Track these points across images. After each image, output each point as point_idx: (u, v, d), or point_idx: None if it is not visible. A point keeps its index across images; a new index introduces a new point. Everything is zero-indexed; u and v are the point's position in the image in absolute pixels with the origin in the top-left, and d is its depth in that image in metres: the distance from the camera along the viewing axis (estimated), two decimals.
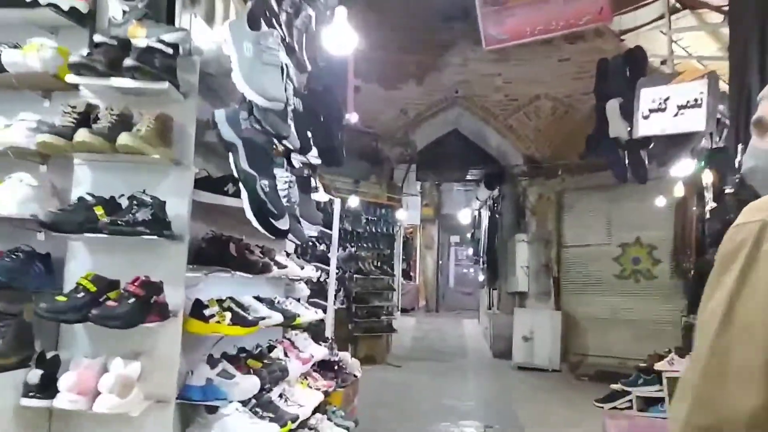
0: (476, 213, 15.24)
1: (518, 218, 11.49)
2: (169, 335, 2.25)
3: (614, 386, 4.76)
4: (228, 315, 2.36)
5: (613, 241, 9.19)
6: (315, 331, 4.35)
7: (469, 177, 13.53)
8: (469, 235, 18.59)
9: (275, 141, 2.40)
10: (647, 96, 4.33)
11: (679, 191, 7.25)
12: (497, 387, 8.24)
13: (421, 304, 20.07)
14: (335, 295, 10.83)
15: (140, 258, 2.29)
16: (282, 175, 2.40)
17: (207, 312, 2.34)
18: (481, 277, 15.34)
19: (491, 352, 11.34)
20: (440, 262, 20.63)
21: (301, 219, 2.72)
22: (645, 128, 4.38)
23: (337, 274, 10.57)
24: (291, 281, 3.98)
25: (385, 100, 10.54)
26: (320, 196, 3.80)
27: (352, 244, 9.93)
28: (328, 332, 5.18)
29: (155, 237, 2.19)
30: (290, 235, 2.54)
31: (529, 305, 10.13)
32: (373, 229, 10.18)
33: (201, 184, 2.44)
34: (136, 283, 2.14)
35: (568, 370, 9.22)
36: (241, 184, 2.25)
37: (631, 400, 4.57)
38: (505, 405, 7.19)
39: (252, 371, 2.55)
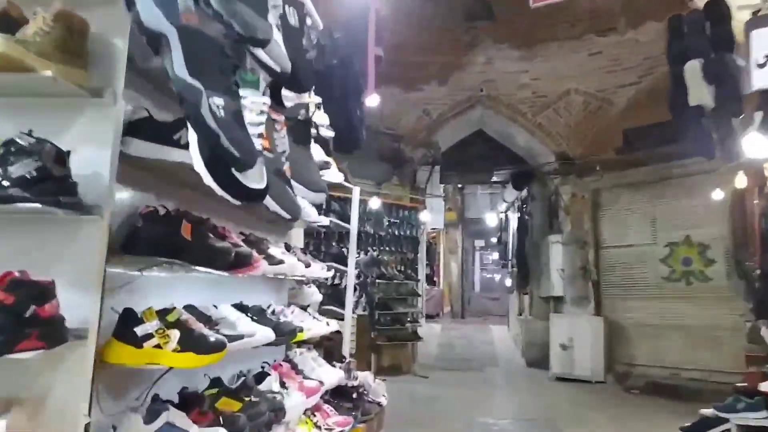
0: (503, 216, 14.16)
1: (550, 219, 10.39)
2: (68, 371, 1.29)
3: (705, 411, 3.67)
4: (174, 335, 1.40)
5: (659, 241, 8.03)
6: (329, 346, 3.39)
7: (494, 178, 12.48)
8: (495, 239, 17.44)
9: (248, 49, 1.44)
10: (762, 39, 3.24)
11: (740, 182, 6.12)
12: (536, 402, 7.12)
13: (446, 310, 18.96)
14: (356, 302, 9.90)
15: (23, 243, 1.35)
16: (255, 100, 1.41)
17: (140, 330, 1.38)
18: (509, 282, 14.20)
19: (524, 360, 10.21)
20: (464, 267, 19.51)
21: (292, 181, 1.76)
22: (763, 79, 3.27)
23: (359, 279, 9.69)
24: (298, 284, 3.02)
25: (407, 101, 9.61)
26: (333, 174, 2.83)
27: (374, 248, 8.97)
28: (346, 348, 4.19)
29: (45, 207, 1.25)
30: (278, 207, 1.57)
31: (566, 311, 9.01)
32: (396, 232, 9.20)
33: (138, 128, 1.50)
34: None
35: (615, 382, 8.06)
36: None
37: (729, 430, 3.47)
38: (549, 423, 6.10)
39: (222, 418, 1.59)
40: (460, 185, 17.43)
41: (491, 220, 16.62)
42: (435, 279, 19.38)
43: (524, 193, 11.45)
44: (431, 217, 14.62)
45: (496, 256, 20.83)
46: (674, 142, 7.56)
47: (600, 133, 8.91)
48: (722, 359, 7.12)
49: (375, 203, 8.43)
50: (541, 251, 10.39)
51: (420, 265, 11.54)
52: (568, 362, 8.41)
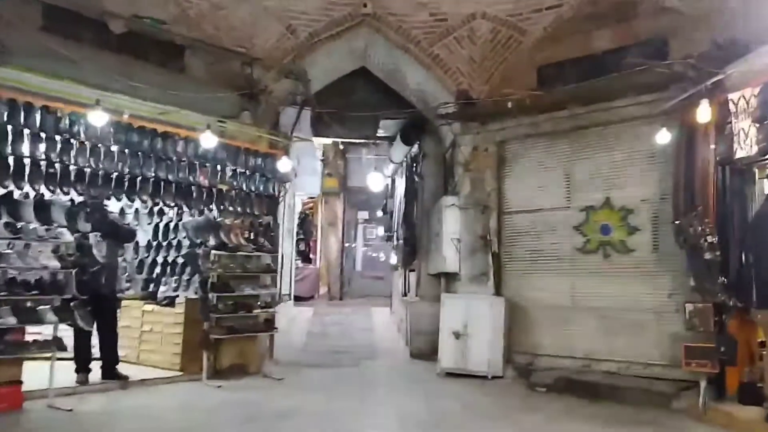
0: (389, 180, 12.59)
1: (445, 179, 8.90)
2: None
3: None
4: None
5: (574, 204, 6.78)
6: None
7: (380, 132, 10.78)
8: (380, 212, 15.95)
9: None
10: None
11: (703, 115, 4.89)
12: (421, 411, 5.53)
13: (322, 292, 17.24)
14: (186, 281, 7.76)
15: None
16: None
17: None
18: (394, 259, 12.73)
19: (409, 351, 8.73)
20: (346, 242, 17.85)
21: None
22: None
23: (187, 250, 7.50)
24: None
25: (264, 12, 7.50)
26: None
27: (210, 207, 6.87)
28: None
29: None
30: None
31: (461, 290, 7.57)
32: (245, 187, 7.15)
33: None
34: None
35: (517, 377, 6.76)
36: None
37: None
38: None
39: None
40: (337, 141, 15.58)
41: (377, 185, 15.02)
42: (311, 256, 17.56)
43: (415, 148, 9.89)
44: (308, 182, 12.70)
45: (380, 232, 19.43)
46: (600, 79, 6.33)
47: (510, 70, 7.47)
48: (643, 348, 6.04)
49: (208, 141, 6.31)
50: (432, 219, 8.90)
51: (283, 233, 9.61)
52: (461, 354, 6.99)
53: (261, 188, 7.33)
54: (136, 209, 7.80)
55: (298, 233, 17.33)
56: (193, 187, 6.74)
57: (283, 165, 7.32)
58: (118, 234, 6.49)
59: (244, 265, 7.11)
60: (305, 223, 17.46)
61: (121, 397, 5.69)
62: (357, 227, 18.68)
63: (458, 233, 7.66)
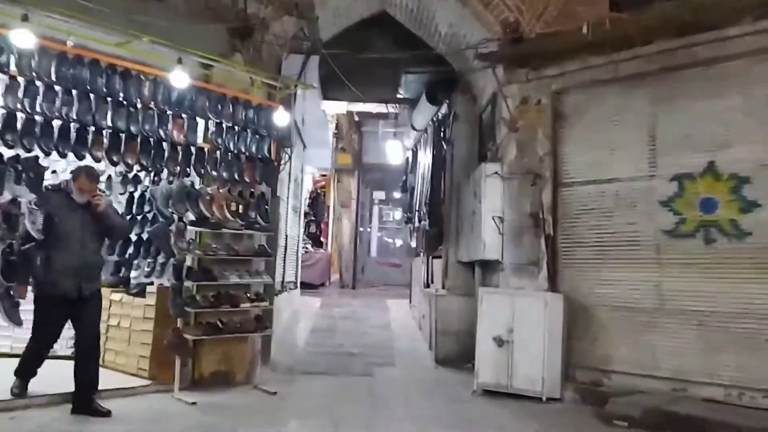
0: (410, 154, 11.04)
1: (481, 145, 7.36)
2: None
3: None
4: None
5: (660, 171, 5.19)
6: None
7: (401, 94, 9.21)
8: (398, 192, 14.42)
9: None
10: None
11: None
12: None
13: (333, 279, 15.83)
14: (155, 264, 6.31)
15: None
16: None
17: None
18: (415, 243, 11.23)
19: (434, 356, 7.26)
20: (360, 224, 16.36)
21: None
22: None
23: (158, 226, 5.84)
24: None
25: None
26: None
27: (187, 171, 5.39)
28: None
29: None
30: None
31: (504, 283, 6.04)
32: (232, 146, 5.65)
33: None
34: None
35: (580, 400, 5.25)
36: None
37: None
38: None
39: None
40: (351, 112, 14.01)
41: (396, 159, 13.50)
42: (322, 239, 16.12)
43: (443, 111, 8.34)
44: (319, 155, 11.22)
45: (398, 215, 17.92)
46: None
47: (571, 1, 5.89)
48: (765, 369, 4.48)
49: (179, 80, 4.83)
50: (464, 195, 7.37)
51: (284, 211, 8.19)
52: (505, 367, 5.48)
53: (254, 149, 5.82)
54: (109, 176, 6.32)
55: (307, 213, 15.94)
56: (164, 144, 5.26)
57: (281, 118, 5.80)
58: (113, 229, 4.79)
59: (230, 245, 5.66)
60: (316, 203, 15.99)
61: (54, 421, 4.26)
62: (372, 209, 17.19)
63: (501, 210, 6.11)
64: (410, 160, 11.12)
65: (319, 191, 16.18)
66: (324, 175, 16.38)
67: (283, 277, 8.71)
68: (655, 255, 5.15)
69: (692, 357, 4.83)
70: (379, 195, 17.00)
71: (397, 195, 17.22)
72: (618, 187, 5.45)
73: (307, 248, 15.07)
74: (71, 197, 4.43)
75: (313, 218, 15.92)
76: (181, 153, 5.33)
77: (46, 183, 4.67)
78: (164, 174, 5.46)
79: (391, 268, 16.07)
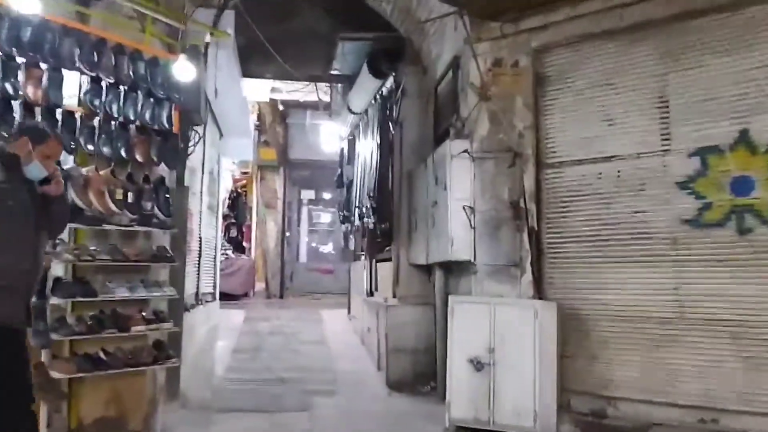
0: (347, 142, 9.77)
1: (440, 122, 6.24)
2: None
3: None
4: None
5: (676, 144, 4.23)
6: None
7: (336, 68, 7.93)
8: (329, 191, 13.10)
9: None
10: None
11: None
12: None
13: (258, 288, 14.29)
14: None
15: None
16: None
17: None
18: (353, 244, 9.99)
19: (384, 379, 6.05)
20: (287, 227, 14.90)
21: None
22: None
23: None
24: None
25: None
26: None
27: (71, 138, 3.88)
28: None
29: None
30: None
31: (478, 290, 4.90)
32: (116, 111, 4.17)
33: None
34: None
35: None
36: None
37: None
38: None
39: None
40: (276, 101, 12.55)
41: (327, 156, 12.18)
42: (245, 244, 14.53)
43: (387, 86, 7.16)
44: (239, 146, 9.74)
45: (328, 217, 16.60)
46: None
47: None
48: None
49: (22, 3, 3.36)
50: (418, 184, 6.22)
51: (198, 207, 6.78)
52: (486, 396, 4.34)
53: (148, 117, 4.37)
54: None
55: (227, 216, 14.33)
56: (13, 104, 3.74)
57: (184, 72, 4.39)
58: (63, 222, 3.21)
59: (117, 248, 4.19)
60: (237, 203, 14.40)
61: None
62: (301, 210, 15.76)
63: (471, 199, 4.98)
64: (346, 150, 9.87)
65: (240, 191, 14.60)
66: (245, 173, 14.82)
67: (198, 289, 7.28)
68: (671, 250, 4.16)
69: (723, 379, 3.86)
70: (308, 194, 15.60)
71: (327, 196, 15.90)
72: (619, 167, 4.44)
73: (227, 254, 13.46)
74: (14, 169, 2.81)
75: (233, 221, 14.33)
76: (40, 117, 3.82)
77: None
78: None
79: (324, 274, 14.72)
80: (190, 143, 5.40)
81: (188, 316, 5.93)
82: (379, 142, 7.21)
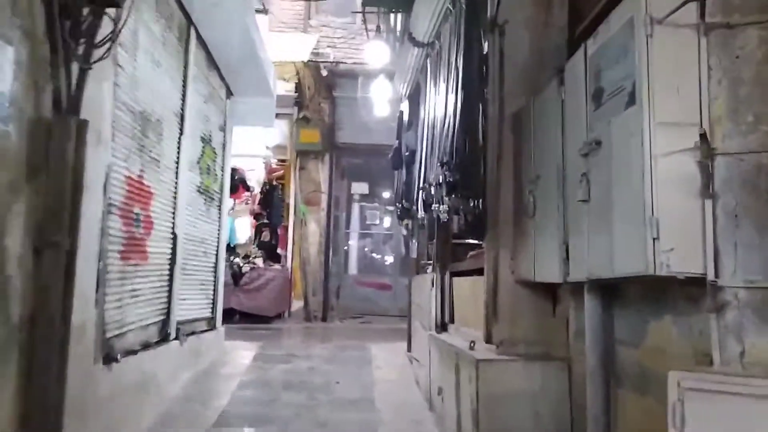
0: (406, 100, 6.99)
1: (574, 21, 3.38)
2: None
3: None
4: None
5: None
6: None
7: None
8: (390, 160, 10.37)
9: None
10: None
11: None
12: None
13: (295, 307, 11.73)
14: None
15: None
16: None
17: None
18: (414, 246, 7.24)
19: None
20: (333, 230, 12.28)
21: None
22: None
23: None
24: None
25: None
26: None
27: None
28: None
29: None
30: None
31: (729, 349, 2.04)
32: None
33: None
34: None
35: None
36: None
37: None
38: None
39: None
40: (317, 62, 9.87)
41: (385, 139, 9.47)
42: (280, 251, 11.99)
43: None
44: (248, 110, 7.19)
45: (387, 218, 13.92)
46: None
47: None
48: None
49: None
50: (536, 129, 3.37)
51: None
52: None
53: None
54: None
55: (259, 215, 11.92)
56: None
57: None
58: None
59: None
60: (273, 199, 11.94)
61: None
62: (351, 208, 13.13)
63: (705, 125, 2.11)
64: (406, 113, 7.14)
65: (275, 183, 12.13)
66: (283, 161, 12.38)
67: (169, 314, 4.82)
68: None
69: None
70: (360, 188, 12.94)
71: (386, 194, 13.24)
72: None
73: (254, 264, 11.00)
74: None
75: (266, 221, 11.89)
76: None
77: None
78: None
79: (379, 290, 12.03)
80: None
81: (116, 370, 3.43)
82: (461, 72, 4.38)
